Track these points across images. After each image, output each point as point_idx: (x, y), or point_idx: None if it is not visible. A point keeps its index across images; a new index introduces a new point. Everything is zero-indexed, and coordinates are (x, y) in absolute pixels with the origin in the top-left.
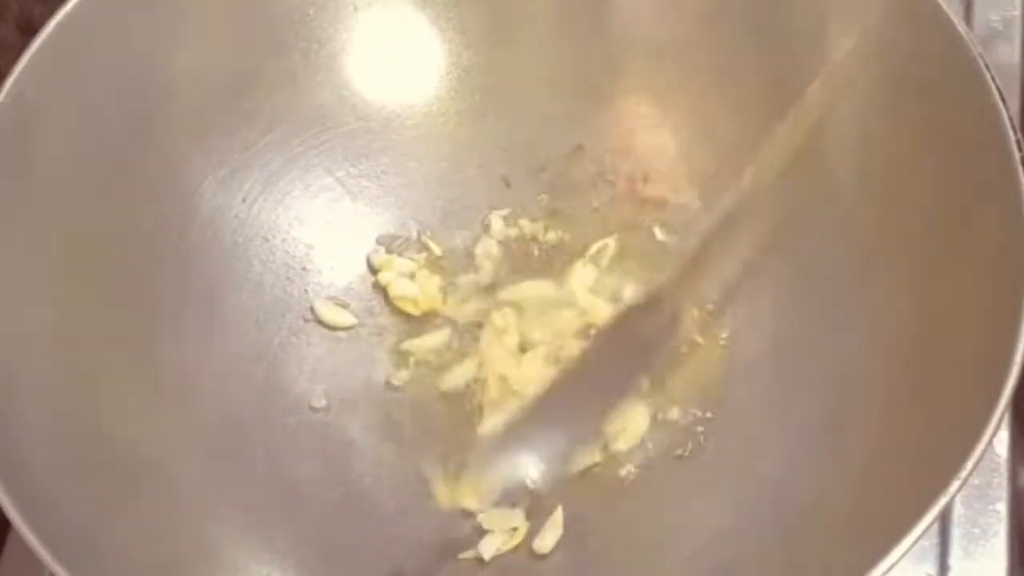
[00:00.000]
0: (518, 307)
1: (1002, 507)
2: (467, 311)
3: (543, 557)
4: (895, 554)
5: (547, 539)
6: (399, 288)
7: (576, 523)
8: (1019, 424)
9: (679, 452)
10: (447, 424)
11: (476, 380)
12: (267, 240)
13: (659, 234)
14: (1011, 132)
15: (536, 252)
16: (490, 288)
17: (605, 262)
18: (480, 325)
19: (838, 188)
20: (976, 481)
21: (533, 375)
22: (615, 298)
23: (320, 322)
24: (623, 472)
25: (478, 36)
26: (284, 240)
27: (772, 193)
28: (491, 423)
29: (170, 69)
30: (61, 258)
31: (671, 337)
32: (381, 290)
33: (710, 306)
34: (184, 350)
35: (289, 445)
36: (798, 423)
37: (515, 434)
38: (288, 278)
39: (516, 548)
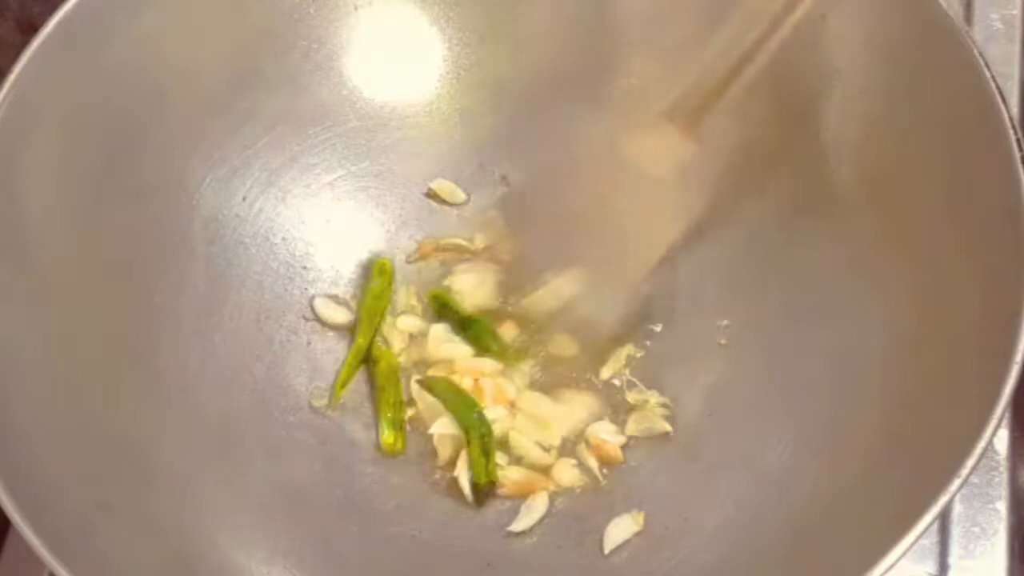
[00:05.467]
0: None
1: (1002, 506)
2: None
3: (541, 552)
4: (895, 553)
5: (523, 521)
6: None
7: (576, 522)
8: (1019, 423)
9: (679, 451)
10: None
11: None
12: (267, 239)
13: None
14: (1011, 132)
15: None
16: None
17: None
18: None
19: (838, 188)
20: (976, 480)
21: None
22: None
23: (320, 320)
24: (623, 470)
25: (478, 36)
26: (284, 239)
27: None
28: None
29: (170, 68)
30: (60, 257)
31: None
32: None
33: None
34: (184, 349)
35: (289, 444)
36: (798, 423)
37: None
38: (288, 277)
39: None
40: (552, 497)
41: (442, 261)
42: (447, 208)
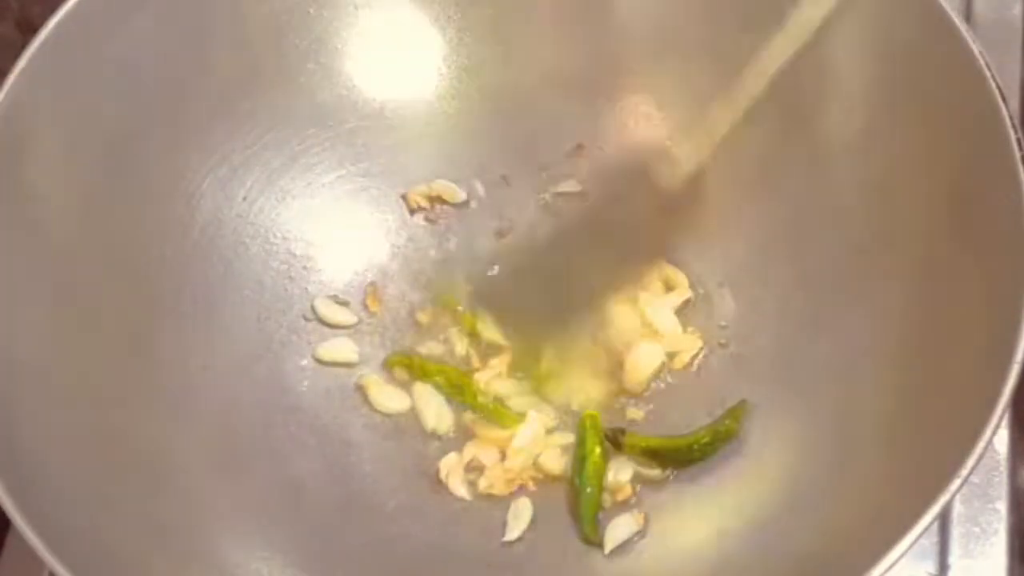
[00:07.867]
0: None
1: (1002, 506)
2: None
3: (540, 552)
4: (895, 552)
5: (514, 530)
6: None
7: (576, 521)
8: (1019, 423)
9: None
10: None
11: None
12: (268, 239)
13: None
14: (1011, 132)
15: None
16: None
17: None
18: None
19: (838, 188)
20: (976, 480)
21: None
22: None
23: (321, 320)
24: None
25: (478, 35)
26: (285, 239)
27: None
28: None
29: (169, 68)
30: (61, 258)
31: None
32: None
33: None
34: (184, 349)
35: (290, 444)
36: (798, 423)
37: None
38: (289, 276)
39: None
40: (547, 491)
41: None
42: (448, 208)
